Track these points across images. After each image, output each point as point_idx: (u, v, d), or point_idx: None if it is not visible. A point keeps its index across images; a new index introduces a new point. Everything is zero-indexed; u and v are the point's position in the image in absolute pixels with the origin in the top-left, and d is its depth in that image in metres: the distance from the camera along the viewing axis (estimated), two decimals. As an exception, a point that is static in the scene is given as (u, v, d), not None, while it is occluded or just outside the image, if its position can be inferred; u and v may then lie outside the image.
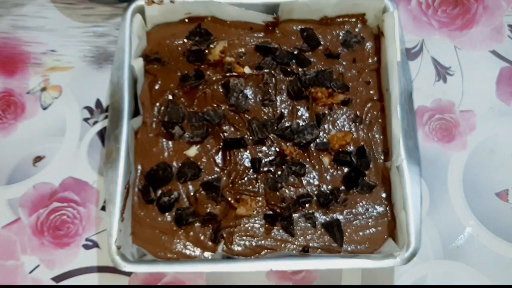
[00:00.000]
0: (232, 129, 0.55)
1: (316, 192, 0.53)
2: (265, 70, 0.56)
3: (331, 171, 0.54)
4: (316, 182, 0.54)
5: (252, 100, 0.56)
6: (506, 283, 0.56)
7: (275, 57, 0.56)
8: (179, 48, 0.57)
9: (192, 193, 0.53)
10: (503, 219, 0.57)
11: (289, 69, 0.57)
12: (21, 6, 0.63)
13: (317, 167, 0.54)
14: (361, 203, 0.53)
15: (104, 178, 0.51)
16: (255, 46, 0.57)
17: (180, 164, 0.54)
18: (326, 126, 0.56)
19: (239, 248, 0.52)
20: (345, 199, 0.53)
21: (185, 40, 0.57)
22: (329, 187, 0.54)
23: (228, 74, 0.56)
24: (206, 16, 0.57)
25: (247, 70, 0.56)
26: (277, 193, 0.53)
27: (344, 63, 0.57)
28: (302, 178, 0.54)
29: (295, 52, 0.57)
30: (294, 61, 0.57)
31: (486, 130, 0.60)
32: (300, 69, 0.57)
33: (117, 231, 0.49)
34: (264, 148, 0.55)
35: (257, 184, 0.54)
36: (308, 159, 0.54)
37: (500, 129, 0.60)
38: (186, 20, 0.57)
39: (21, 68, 0.61)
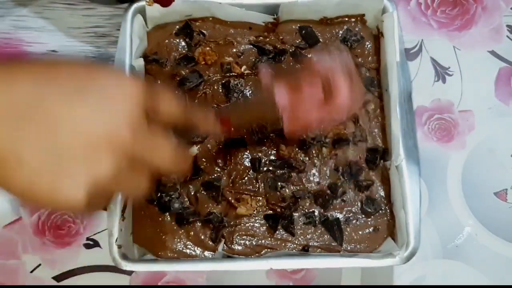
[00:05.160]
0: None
1: (316, 188, 0.54)
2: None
3: (330, 163, 0.54)
4: (316, 180, 0.54)
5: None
6: (505, 283, 0.56)
7: (273, 56, 0.56)
8: (178, 48, 0.57)
9: (192, 193, 0.53)
10: (502, 218, 0.58)
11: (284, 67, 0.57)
12: (22, 7, 0.63)
13: (316, 163, 0.54)
14: (360, 202, 0.53)
15: (105, 178, 0.51)
16: (252, 46, 0.57)
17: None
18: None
19: (240, 248, 0.52)
20: (344, 192, 0.53)
21: (181, 41, 0.57)
22: (329, 181, 0.54)
23: (228, 74, 0.56)
24: (206, 17, 0.57)
25: (244, 70, 0.56)
26: (277, 192, 0.53)
27: (343, 63, 0.58)
28: (301, 176, 0.54)
29: (291, 50, 0.57)
30: (291, 58, 0.57)
31: (485, 130, 0.60)
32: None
33: (118, 230, 0.49)
34: (264, 147, 0.55)
35: (257, 183, 0.54)
36: (307, 158, 0.54)
37: (499, 129, 0.60)
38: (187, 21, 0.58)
39: (23, 69, 0.61)
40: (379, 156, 0.54)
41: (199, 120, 0.42)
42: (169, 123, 0.37)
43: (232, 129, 0.46)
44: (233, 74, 0.56)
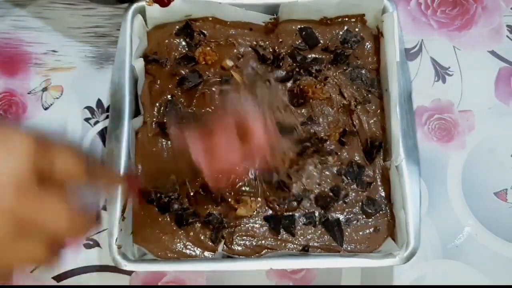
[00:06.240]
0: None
1: (317, 191, 0.54)
2: None
3: (333, 168, 0.54)
4: (317, 181, 0.54)
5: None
6: (505, 283, 0.56)
7: (271, 62, 0.56)
8: (179, 48, 0.57)
9: (191, 194, 0.53)
10: (502, 218, 0.58)
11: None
12: (22, 7, 0.63)
13: (318, 166, 0.54)
14: (361, 203, 0.53)
15: (105, 178, 0.51)
16: (252, 50, 0.57)
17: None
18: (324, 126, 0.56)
19: (239, 248, 0.52)
20: (346, 194, 0.53)
21: (182, 41, 0.57)
22: (332, 184, 0.54)
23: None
24: (206, 17, 0.57)
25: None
26: (278, 190, 0.53)
27: (343, 62, 0.58)
28: (303, 181, 0.54)
29: (289, 51, 0.57)
30: (289, 59, 0.57)
31: (485, 130, 0.60)
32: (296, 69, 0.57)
33: (118, 230, 0.49)
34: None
35: (256, 184, 0.54)
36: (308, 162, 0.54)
37: (499, 129, 0.60)
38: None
39: (23, 68, 0.61)
40: (375, 150, 0.54)
41: (103, 180, 0.40)
42: (69, 181, 0.34)
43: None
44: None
